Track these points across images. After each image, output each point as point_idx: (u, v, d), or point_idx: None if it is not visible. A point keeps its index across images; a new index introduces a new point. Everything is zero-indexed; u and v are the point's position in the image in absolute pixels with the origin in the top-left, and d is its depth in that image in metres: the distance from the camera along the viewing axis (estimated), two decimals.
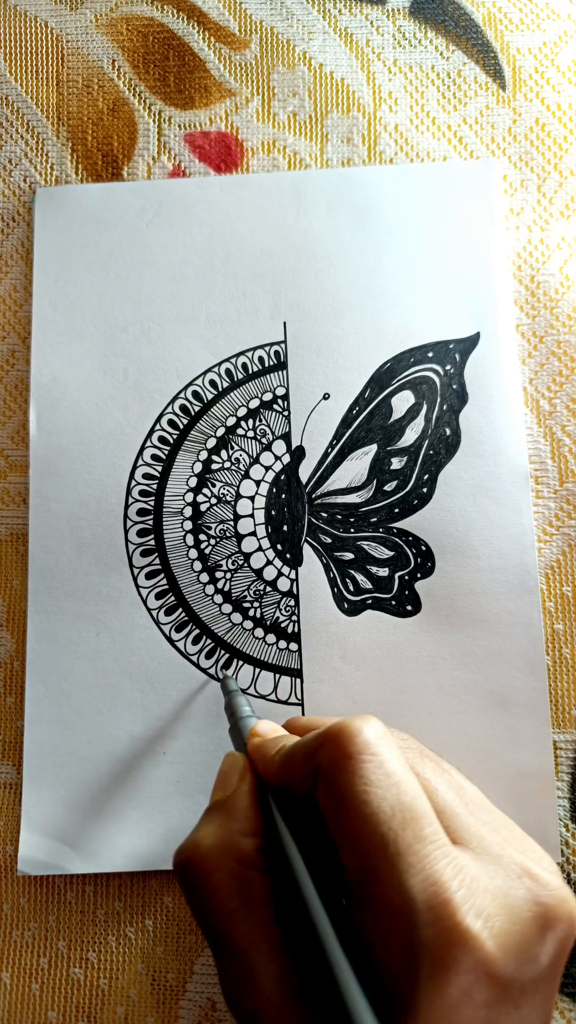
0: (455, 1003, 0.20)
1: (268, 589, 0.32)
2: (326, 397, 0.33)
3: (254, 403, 0.33)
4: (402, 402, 0.33)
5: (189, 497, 0.32)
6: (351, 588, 0.32)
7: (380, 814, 0.21)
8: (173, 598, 0.32)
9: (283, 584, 0.32)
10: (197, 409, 0.33)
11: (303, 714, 0.30)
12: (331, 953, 0.20)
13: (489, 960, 0.20)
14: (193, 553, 0.32)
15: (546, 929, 0.21)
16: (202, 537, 0.32)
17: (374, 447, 0.33)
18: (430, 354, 0.33)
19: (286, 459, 0.33)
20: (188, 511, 0.32)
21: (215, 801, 0.25)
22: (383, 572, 0.32)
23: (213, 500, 0.32)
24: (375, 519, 0.32)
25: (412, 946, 0.20)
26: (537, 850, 0.23)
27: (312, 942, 0.21)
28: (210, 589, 0.32)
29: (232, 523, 0.32)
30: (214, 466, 0.33)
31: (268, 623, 0.31)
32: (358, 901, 0.21)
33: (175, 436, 0.33)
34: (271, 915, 0.22)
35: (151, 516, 0.32)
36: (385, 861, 0.20)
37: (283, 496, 0.32)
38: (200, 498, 0.32)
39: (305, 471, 0.32)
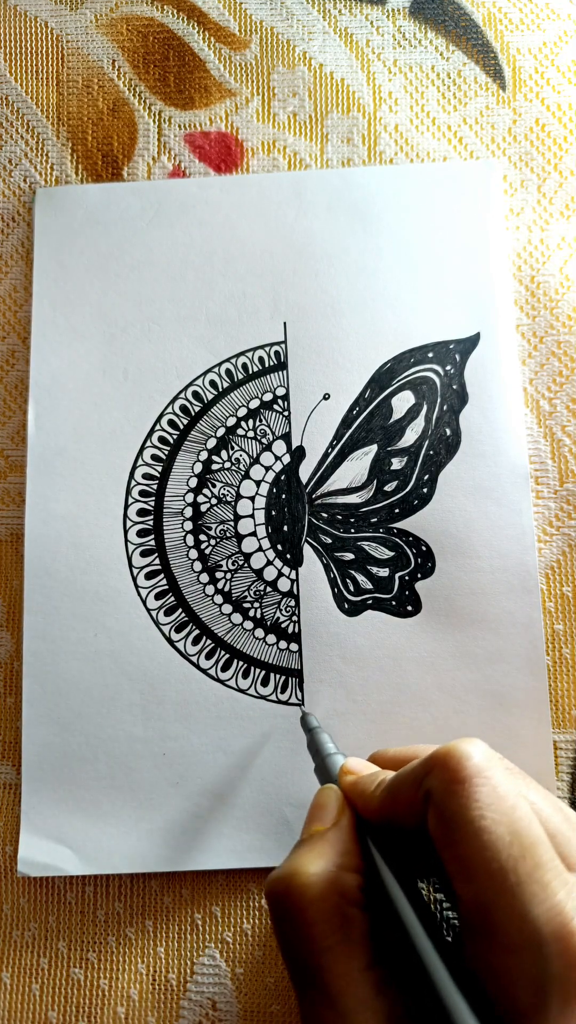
0: None
1: (268, 589, 0.32)
2: (326, 397, 0.33)
3: (254, 403, 0.33)
4: (402, 402, 0.33)
5: (189, 497, 0.32)
6: (351, 588, 0.32)
7: (498, 841, 0.20)
8: (173, 598, 0.32)
9: (283, 584, 0.32)
10: (197, 409, 0.33)
11: (304, 715, 0.30)
12: (445, 990, 0.19)
13: None
14: (193, 553, 0.32)
15: None
16: (202, 537, 0.32)
17: (374, 447, 0.33)
18: (430, 354, 0.33)
19: (286, 459, 0.33)
20: (188, 511, 0.32)
21: (313, 832, 0.24)
22: (383, 572, 0.32)
23: (213, 500, 0.32)
24: (375, 519, 0.32)
25: (541, 980, 0.19)
26: None
27: (422, 980, 0.20)
28: (210, 589, 0.32)
29: (232, 523, 0.32)
30: (214, 466, 0.33)
31: (268, 623, 0.31)
32: (475, 933, 0.20)
33: (175, 436, 0.33)
34: (370, 957, 0.21)
35: (151, 516, 0.32)
36: (506, 891, 0.19)
37: (283, 496, 0.32)
38: (200, 498, 0.32)
39: (305, 471, 0.32)
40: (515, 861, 0.20)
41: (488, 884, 0.20)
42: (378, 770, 0.25)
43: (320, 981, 0.21)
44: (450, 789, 0.21)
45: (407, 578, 0.32)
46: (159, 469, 0.33)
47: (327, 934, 0.21)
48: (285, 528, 0.32)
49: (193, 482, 0.33)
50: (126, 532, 0.32)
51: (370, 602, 0.31)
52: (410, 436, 0.33)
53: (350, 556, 0.32)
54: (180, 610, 0.32)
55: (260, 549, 0.32)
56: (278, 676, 0.31)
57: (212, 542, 0.32)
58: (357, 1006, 0.20)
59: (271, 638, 0.31)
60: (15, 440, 0.34)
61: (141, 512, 0.32)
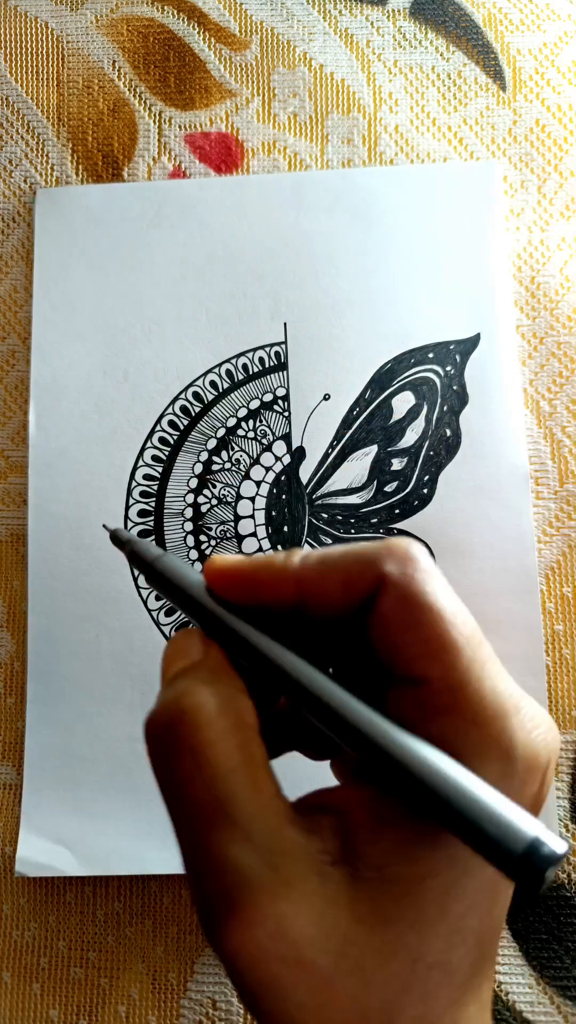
0: (536, 804, 0.20)
1: None
2: (326, 398, 0.33)
3: (254, 404, 0.33)
4: (402, 403, 0.33)
5: (190, 498, 0.32)
6: None
7: (463, 625, 0.20)
8: None
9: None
10: (198, 410, 0.33)
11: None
12: (427, 765, 0.18)
13: (553, 763, 0.20)
14: (194, 554, 0.32)
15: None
16: (203, 538, 0.32)
17: (374, 448, 0.33)
18: (430, 355, 0.33)
19: (287, 460, 0.33)
20: (189, 512, 0.32)
21: (181, 668, 0.21)
22: None
23: (214, 501, 0.32)
24: (375, 520, 0.32)
25: (510, 747, 0.19)
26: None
27: (393, 764, 0.18)
28: None
29: (233, 524, 0.32)
30: (215, 467, 0.33)
31: None
32: (441, 713, 0.19)
33: (175, 437, 0.33)
34: (273, 781, 0.19)
35: (152, 517, 0.32)
36: (476, 665, 0.19)
37: (284, 497, 0.32)
38: (201, 499, 0.32)
39: (305, 472, 0.32)
40: (478, 643, 0.20)
41: (458, 662, 0.19)
42: (264, 555, 0.22)
43: (225, 812, 0.18)
44: (414, 576, 0.20)
45: None
46: (159, 470, 0.33)
47: (229, 754, 0.18)
48: (285, 529, 0.32)
49: (193, 483, 0.33)
50: None
51: None
52: (410, 437, 0.33)
53: None
54: (180, 611, 0.32)
55: (260, 550, 0.32)
56: None
57: (212, 543, 0.32)
58: (269, 837, 0.18)
59: None
60: (15, 441, 0.34)
61: (142, 513, 0.32)
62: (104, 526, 0.27)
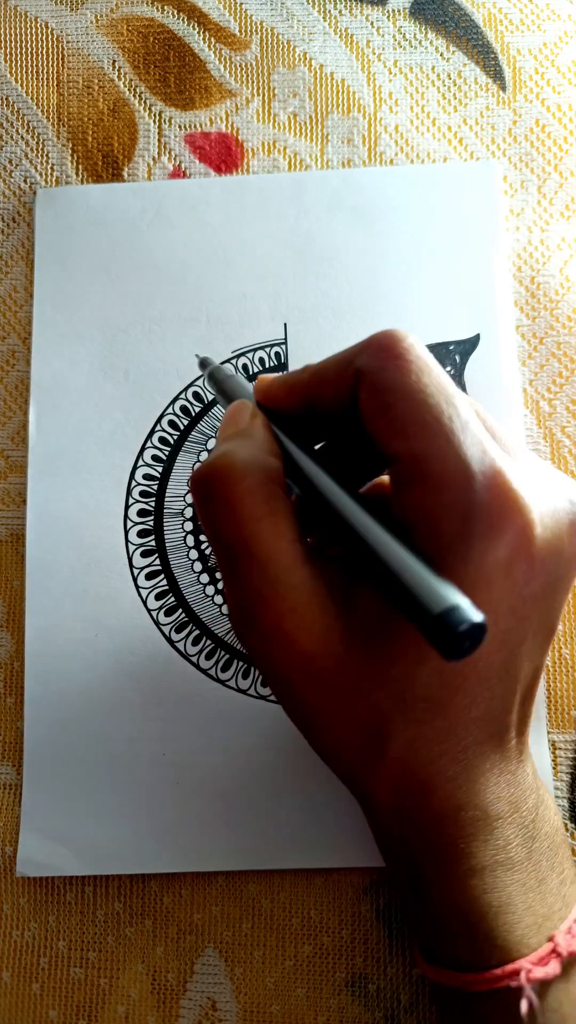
0: (497, 568, 0.21)
1: None
2: None
3: None
4: None
5: (190, 498, 0.33)
6: None
7: (432, 399, 0.21)
8: (173, 599, 0.32)
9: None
10: (198, 410, 0.33)
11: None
12: (362, 524, 0.21)
13: (532, 534, 0.21)
14: (194, 554, 0.32)
15: (574, 528, 0.23)
16: (203, 538, 0.32)
17: None
18: None
19: None
20: (189, 512, 0.32)
21: (230, 433, 0.24)
22: None
23: None
24: None
25: (468, 509, 0.20)
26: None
27: (350, 531, 0.21)
28: (210, 590, 0.32)
29: None
30: None
31: None
32: (408, 483, 0.21)
33: (176, 437, 0.33)
34: (295, 532, 0.22)
35: (151, 517, 0.32)
36: (440, 437, 0.21)
37: None
38: None
39: None
40: (449, 417, 0.21)
41: (423, 434, 0.21)
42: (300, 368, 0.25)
43: (251, 551, 0.22)
44: (385, 364, 0.22)
45: None
46: (160, 470, 0.33)
47: (256, 505, 0.22)
48: None
49: None
50: (127, 532, 0.32)
51: None
52: None
53: None
54: (180, 610, 0.32)
55: None
56: None
57: None
58: (284, 572, 0.22)
59: None
60: (15, 440, 0.34)
61: (142, 512, 0.32)
62: (196, 355, 0.31)
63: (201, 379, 0.30)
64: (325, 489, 0.23)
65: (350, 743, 0.23)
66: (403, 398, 0.21)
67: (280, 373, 0.25)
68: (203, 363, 0.29)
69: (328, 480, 0.23)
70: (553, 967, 0.22)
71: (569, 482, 0.24)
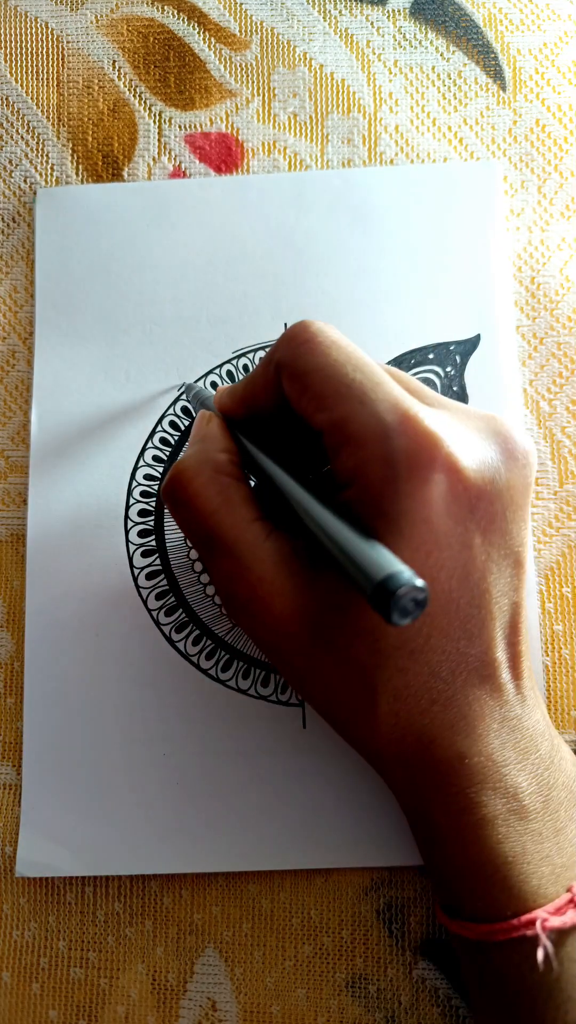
0: (431, 504, 0.22)
1: None
2: None
3: None
4: None
5: None
6: None
7: (342, 368, 0.23)
8: (174, 599, 0.32)
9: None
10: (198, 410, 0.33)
11: (304, 717, 0.30)
12: (302, 499, 0.23)
13: (458, 465, 0.22)
14: (194, 554, 0.32)
15: (507, 454, 0.24)
16: None
17: None
18: (430, 356, 0.33)
19: None
20: None
21: (190, 440, 0.27)
22: None
23: None
24: None
25: (389, 456, 0.22)
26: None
27: (292, 506, 0.23)
28: (210, 590, 0.32)
29: None
30: None
31: None
32: (335, 450, 0.23)
33: (176, 437, 0.33)
34: (254, 513, 0.25)
35: (152, 517, 0.32)
36: (354, 399, 0.22)
37: None
38: None
39: None
40: (359, 381, 0.23)
41: (338, 402, 0.23)
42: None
43: (216, 539, 0.24)
44: (296, 351, 0.24)
45: None
46: (160, 470, 0.33)
47: (210, 498, 0.24)
48: None
49: None
50: (127, 533, 0.32)
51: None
52: None
53: None
54: (181, 610, 0.32)
55: None
56: (278, 676, 0.31)
57: None
58: (249, 549, 0.24)
59: None
60: (15, 441, 0.34)
61: (142, 512, 0.32)
62: (180, 384, 0.33)
63: (183, 396, 0.33)
64: (272, 475, 0.25)
65: (340, 701, 0.24)
66: (315, 375, 0.23)
67: (228, 388, 0.28)
68: (187, 388, 0.32)
69: (274, 467, 0.25)
70: (571, 916, 0.22)
71: (494, 416, 0.25)
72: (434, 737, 0.23)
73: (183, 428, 0.33)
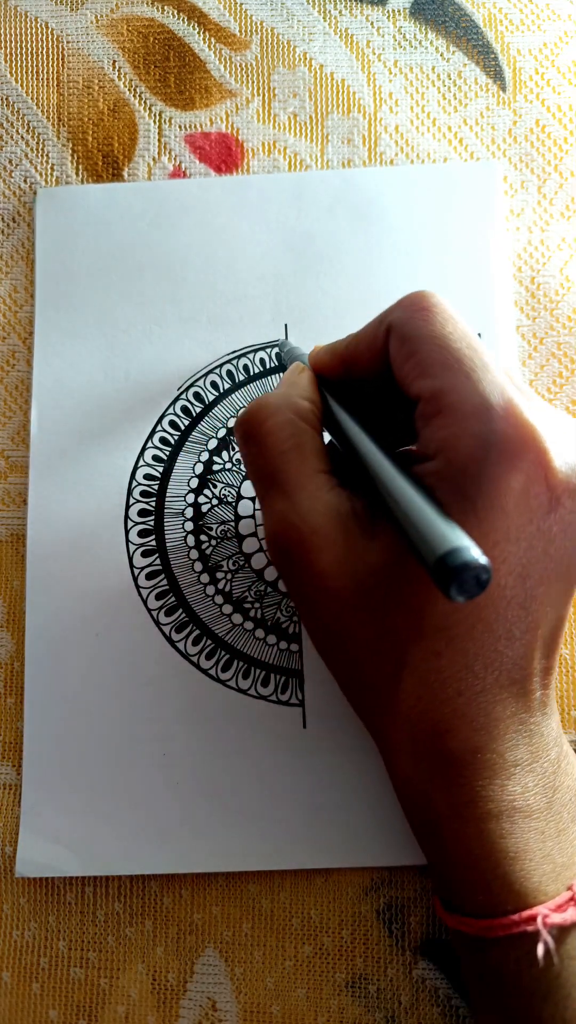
0: (514, 493, 0.22)
1: (269, 590, 0.32)
2: None
3: None
4: None
5: (190, 498, 0.33)
6: None
7: (454, 343, 0.23)
8: (174, 599, 0.32)
9: (284, 585, 0.32)
10: (198, 410, 0.33)
11: (304, 717, 0.30)
12: (378, 462, 0.23)
13: (549, 463, 0.22)
14: (194, 554, 0.32)
15: None
16: (203, 538, 0.32)
17: None
18: None
19: None
20: (189, 512, 0.32)
21: (278, 386, 0.27)
22: None
23: (214, 501, 0.32)
24: None
25: (485, 436, 0.21)
26: None
27: (367, 468, 0.23)
28: (211, 590, 0.32)
29: (233, 524, 0.32)
30: (215, 467, 0.33)
31: (269, 624, 0.31)
32: (431, 418, 0.23)
33: (176, 437, 0.33)
34: (323, 465, 0.24)
35: (152, 517, 0.32)
36: (462, 373, 0.22)
37: None
38: (201, 499, 0.32)
39: None
40: (470, 358, 0.23)
41: (445, 373, 0.22)
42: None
43: (279, 479, 0.24)
44: (412, 315, 0.24)
45: None
46: (160, 470, 0.33)
47: (283, 439, 0.24)
48: None
49: (194, 483, 0.33)
50: (127, 532, 0.32)
51: None
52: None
53: None
54: (181, 610, 0.32)
55: (261, 549, 0.32)
56: (278, 676, 0.31)
57: (213, 542, 0.32)
58: (309, 496, 0.24)
59: (271, 638, 0.31)
60: (15, 441, 0.34)
61: (142, 512, 0.32)
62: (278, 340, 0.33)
63: (279, 351, 0.33)
64: (352, 435, 0.24)
65: (365, 671, 0.24)
66: (427, 343, 0.23)
67: (326, 345, 0.28)
68: (281, 344, 0.32)
69: (355, 427, 0.25)
70: (571, 913, 0.22)
71: None
72: (451, 728, 0.23)
73: (183, 428, 0.33)
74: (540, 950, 0.22)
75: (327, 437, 0.27)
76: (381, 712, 0.24)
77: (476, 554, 0.18)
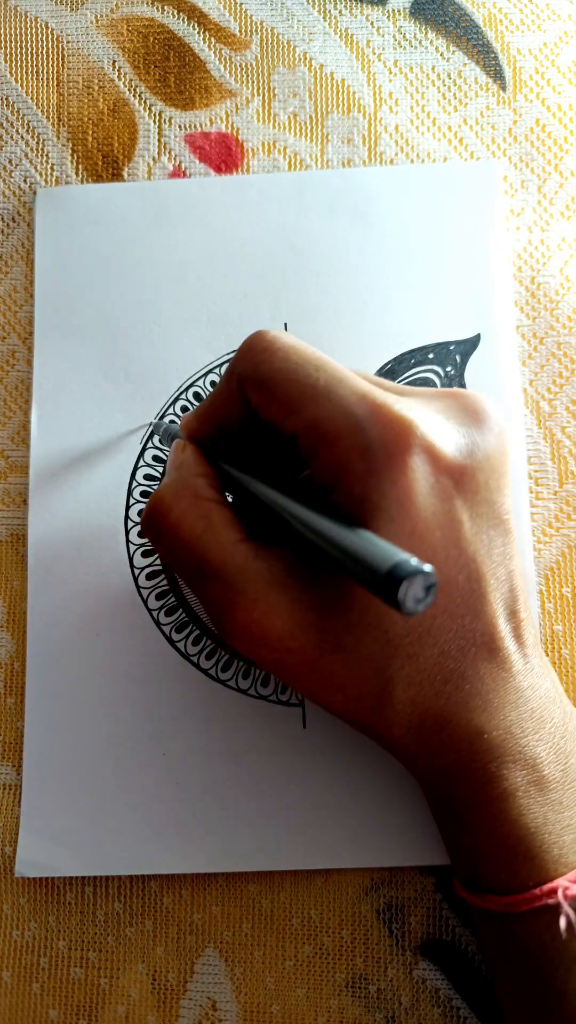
0: (415, 488, 0.22)
1: None
2: None
3: None
4: None
5: None
6: None
7: (302, 369, 0.23)
8: (174, 599, 0.32)
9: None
10: None
11: (304, 717, 0.30)
12: (294, 508, 0.23)
13: (434, 445, 0.22)
14: None
15: (480, 425, 0.24)
16: None
17: None
18: (431, 355, 0.33)
19: None
20: None
21: (166, 470, 0.27)
22: None
23: None
24: None
25: (366, 448, 0.22)
26: None
27: (279, 517, 0.23)
28: None
29: None
30: None
31: None
32: (312, 450, 0.23)
33: None
34: (238, 534, 0.24)
35: None
36: (320, 398, 0.22)
37: None
38: None
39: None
40: (321, 380, 0.23)
41: (305, 404, 0.23)
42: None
43: (203, 566, 0.23)
44: (255, 361, 0.24)
45: None
46: (160, 470, 0.33)
47: (192, 525, 0.24)
48: None
49: None
50: (127, 533, 0.32)
51: None
52: None
53: None
54: (181, 610, 0.32)
55: None
56: None
57: None
58: (239, 572, 0.23)
59: None
60: (15, 440, 0.34)
61: (142, 512, 0.32)
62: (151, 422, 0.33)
63: (155, 436, 0.33)
64: (253, 488, 0.25)
65: (355, 699, 0.24)
66: (279, 380, 0.23)
67: (194, 412, 0.28)
68: (155, 427, 0.32)
69: (252, 480, 0.25)
70: None
71: (459, 391, 0.25)
72: (450, 716, 0.23)
73: None
74: (563, 922, 0.22)
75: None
76: (384, 728, 0.24)
77: (415, 564, 0.18)
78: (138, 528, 0.32)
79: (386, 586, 0.18)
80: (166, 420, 0.32)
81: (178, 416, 0.33)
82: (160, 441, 0.30)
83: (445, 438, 0.23)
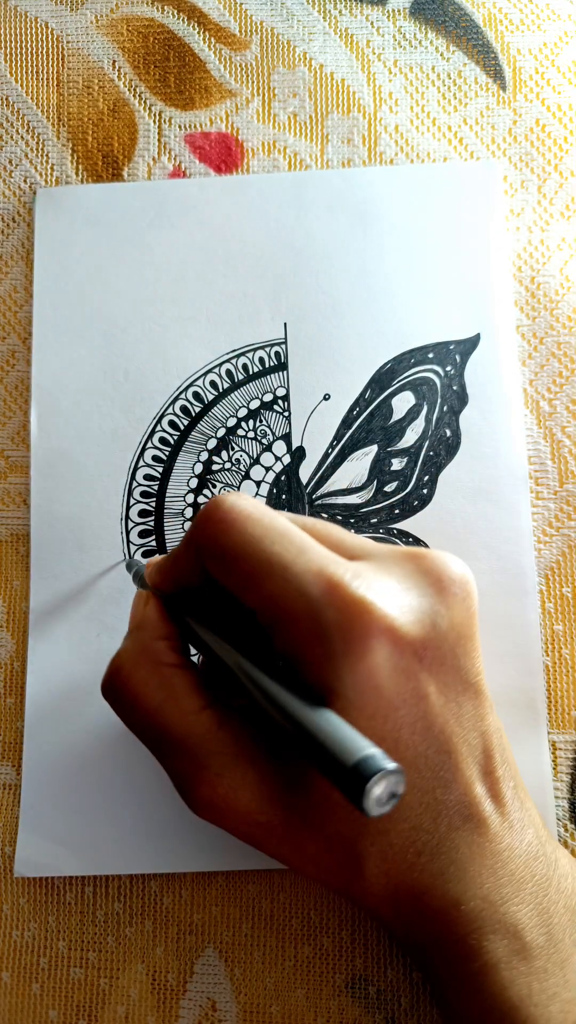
0: (375, 671, 0.21)
1: None
2: (326, 398, 0.33)
3: (254, 404, 0.33)
4: (402, 403, 0.33)
5: (190, 498, 0.33)
6: None
7: (262, 540, 0.22)
8: None
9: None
10: (198, 410, 0.33)
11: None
12: (258, 680, 0.22)
13: (394, 625, 0.22)
14: None
15: (442, 591, 0.23)
16: None
17: (374, 448, 0.33)
18: (430, 355, 0.33)
19: (286, 460, 0.33)
20: (189, 512, 0.32)
21: (129, 627, 0.26)
22: None
23: None
24: (375, 520, 0.32)
25: (322, 632, 0.21)
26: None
27: (239, 680, 0.22)
28: None
29: None
30: (215, 467, 0.33)
31: None
32: (273, 631, 0.22)
33: (176, 437, 0.33)
34: (201, 701, 0.23)
35: (152, 517, 0.32)
36: (277, 575, 0.22)
37: (284, 497, 0.32)
38: (201, 499, 0.33)
39: (305, 472, 0.32)
40: (279, 554, 0.22)
41: (262, 581, 0.22)
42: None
43: (165, 738, 0.23)
44: (214, 533, 0.23)
45: None
46: (160, 470, 0.33)
47: (152, 695, 0.23)
48: None
49: (194, 483, 0.33)
50: (127, 533, 0.32)
51: None
52: (410, 437, 0.33)
53: None
54: None
55: None
56: None
57: None
58: (201, 744, 0.23)
59: None
60: (15, 441, 0.34)
61: (142, 513, 0.32)
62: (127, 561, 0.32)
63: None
64: (217, 650, 0.24)
65: (327, 869, 0.23)
66: (236, 557, 0.22)
67: (158, 557, 0.27)
68: (128, 565, 0.31)
69: (216, 640, 0.24)
70: None
71: (419, 553, 0.24)
72: (426, 887, 0.23)
73: (182, 428, 0.33)
74: None
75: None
76: (359, 898, 0.24)
77: (381, 761, 0.18)
78: (138, 528, 0.32)
79: (350, 783, 0.18)
80: (138, 557, 0.32)
81: (178, 416, 0.33)
82: (133, 580, 0.29)
83: (406, 613, 0.22)
